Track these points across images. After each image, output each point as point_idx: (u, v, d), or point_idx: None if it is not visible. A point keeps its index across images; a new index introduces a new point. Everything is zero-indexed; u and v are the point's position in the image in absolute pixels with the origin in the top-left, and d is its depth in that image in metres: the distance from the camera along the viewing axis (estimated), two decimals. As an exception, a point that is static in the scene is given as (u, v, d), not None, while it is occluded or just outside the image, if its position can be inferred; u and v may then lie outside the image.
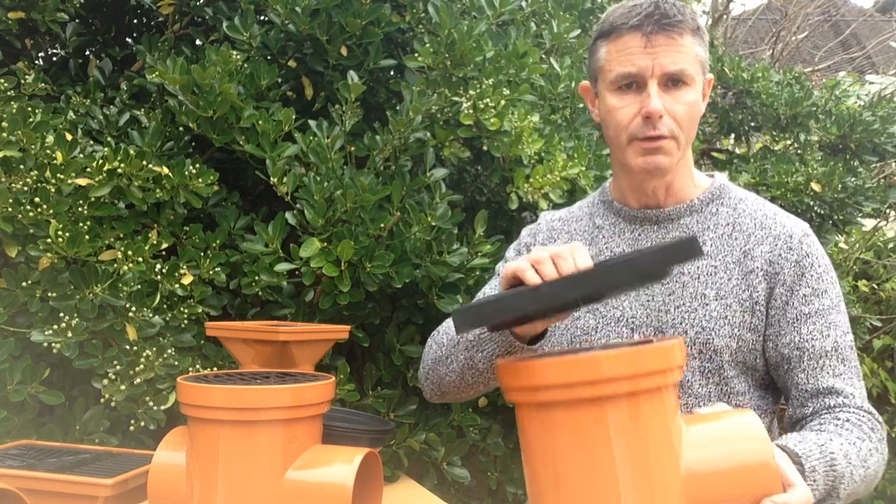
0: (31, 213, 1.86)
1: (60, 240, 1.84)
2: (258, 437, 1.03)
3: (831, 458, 1.11)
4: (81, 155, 2.03)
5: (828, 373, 1.26)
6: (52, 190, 1.91)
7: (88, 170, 1.99)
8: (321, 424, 1.12)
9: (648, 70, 1.24)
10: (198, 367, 2.05)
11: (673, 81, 1.25)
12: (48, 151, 1.94)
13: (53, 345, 1.85)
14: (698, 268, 1.30)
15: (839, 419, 1.21)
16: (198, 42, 2.64)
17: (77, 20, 2.57)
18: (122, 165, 2.01)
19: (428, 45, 2.27)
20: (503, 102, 2.21)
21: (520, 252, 1.51)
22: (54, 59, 2.67)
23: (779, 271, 1.27)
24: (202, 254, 2.14)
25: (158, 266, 2.03)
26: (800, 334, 1.26)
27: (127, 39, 2.82)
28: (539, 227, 1.53)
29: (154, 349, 1.95)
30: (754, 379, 1.30)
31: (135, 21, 2.87)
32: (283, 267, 2.08)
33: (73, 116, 2.29)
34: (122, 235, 2.04)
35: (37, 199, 1.87)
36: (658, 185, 1.33)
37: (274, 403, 1.02)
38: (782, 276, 1.27)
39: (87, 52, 2.73)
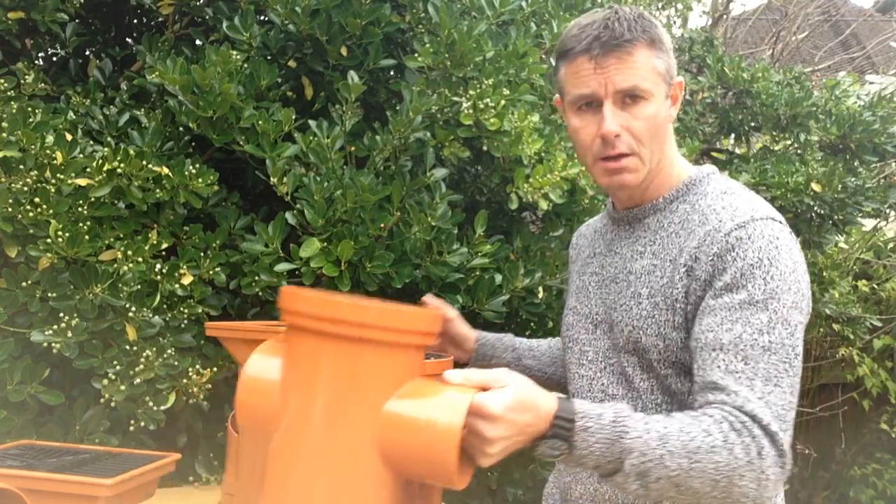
0: (31, 213, 1.86)
1: (60, 240, 1.84)
2: (365, 356, 0.96)
3: (623, 430, 1.08)
4: (81, 155, 2.03)
5: (718, 367, 1.14)
6: (52, 190, 1.91)
7: (88, 170, 1.99)
8: (423, 361, 1.05)
9: (602, 90, 1.26)
10: (198, 367, 2.05)
11: (630, 97, 1.26)
12: (48, 151, 1.94)
13: (53, 345, 1.85)
14: (643, 267, 1.30)
15: (697, 411, 1.14)
16: (198, 42, 2.64)
17: (77, 20, 2.57)
18: (122, 165, 2.01)
19: (428, 45, 2.27)
20: (503, 102, 2.21)
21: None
22: (54, 59, 2.67)
23: (696, 266, 1.22)
24: (202, 254, 2.14)
25: (158, 266, 2.03)
26: (699, 326, 1.19)
27: (127, 39, 2.82)
28: (571, 244, 1.61)
29: (154, 349, 1.95)
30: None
31: (135, 21, 2.87)
32: (283, 267, 2.08)
33: (73, 116, 2.29)
34: (122, 235, 2.04)
35: (37, 199, 1.87)
36: (633, 192, 1.36)
37: (389, 323, 0.96)
38: (698, 272, 1.21)
39: (87, 52, 2.73)
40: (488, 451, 1.03)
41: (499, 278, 2.18)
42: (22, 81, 2.35)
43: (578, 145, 1.32)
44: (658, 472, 1.08)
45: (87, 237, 1.88)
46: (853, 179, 3.25)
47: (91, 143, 2.21)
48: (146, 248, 2.00)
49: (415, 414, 0.96)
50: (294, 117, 2.26)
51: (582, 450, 1.07)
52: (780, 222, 1.26)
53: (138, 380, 1.93)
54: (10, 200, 1.85)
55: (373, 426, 0.96)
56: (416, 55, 2.30)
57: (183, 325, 2.08)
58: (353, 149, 2.32)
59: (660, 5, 5.29)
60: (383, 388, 0.97)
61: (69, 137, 2.01)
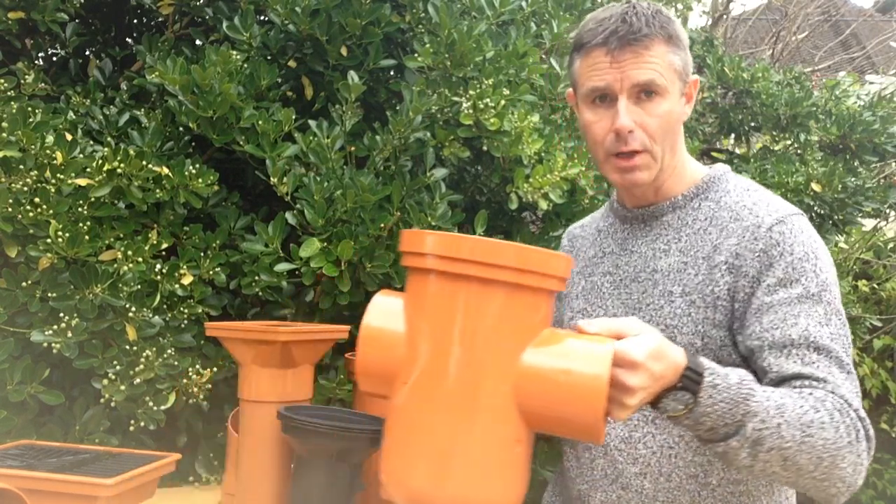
0: (31, 213, 1.86)
1: (60, 240, 1.84)
2: (497, 299, 0.90)
3: (749, 392, 1.06)
4: (81, 155, 2.03)
5: (794, 362, 1.15)
6: (52, 190, 1.91)
7: (88, 170, 1.99)
8: (553, 309, 1.01)
9: (617, 84, 1.25)
10: (198, 367, 2.05)
11: (645, 93, 1.25)
12: (48, 151, 1.94)
13: (53, 345, 1.85)
14: (670, 265, 1.29)
15: (796, 388, 1.14)
16: (198, 42, 2.64)
17: (77, 20, 2.57)
18: (122, 165, 2.01)
19: (428, 45, 2.27)
20: (503, 102, 2.21)
21: None
22: (54, 59, 2.67)
23: (742, 264, 1.22)
24: (202, 254, 2.14)
25: (158, 266, 2.03)
26: (761, 324, 1.19)
27: (127, 39, 2.82)
28: (562, 245, 1.57)
29: (154, 349, 1.95)
30: None
31: (135, 21, 2.87)
32: (283, 267, 2.08)
33: (73, 116, 2.29)
34: (122, 235, 2.04)
35: (37, 199, 1.87)
36: (646, 190, 1.33)
37: (522, 264, 0.91)
38: (745, 269, 1.22)
39: (87, 52, 2.73)
40: (628, 403, 0.98)
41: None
42: (22, 81, 2.36)
43: (590, 140, 1.31)
44: (772, 442, 1.06)
45: (87, 237, 1.88)
46: (853, 179, 3.25)
47: (91, 143, 2.21)
48: (146, 248, 2.00)
49: (557, 366, 0.91)
50: (294, 117, 2.26)
51: (706, 406, 1.05)
52: (806, 217, 1.29)
53: (138, 380, 1.93)
54: (10, 200, 1.85)
55: (510, 377, 0.91)
56: (416, 55, 2.30)
57: (183, 325, 2.08)
58: (353, 149, 2.32)
59: (660, 5, 5.28)
60: (519, 335, 0.92)
61: (69, 137, 2.01)
